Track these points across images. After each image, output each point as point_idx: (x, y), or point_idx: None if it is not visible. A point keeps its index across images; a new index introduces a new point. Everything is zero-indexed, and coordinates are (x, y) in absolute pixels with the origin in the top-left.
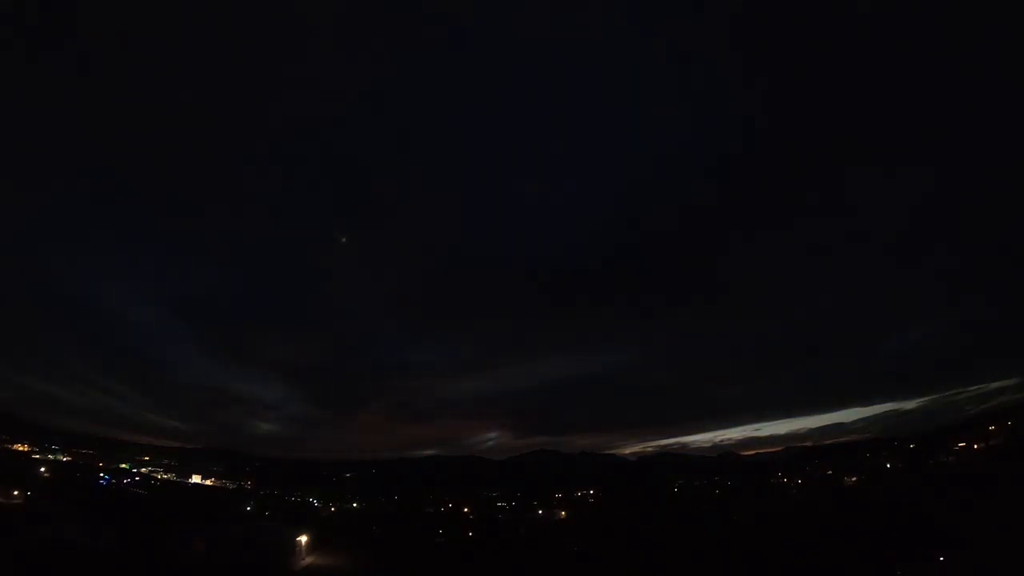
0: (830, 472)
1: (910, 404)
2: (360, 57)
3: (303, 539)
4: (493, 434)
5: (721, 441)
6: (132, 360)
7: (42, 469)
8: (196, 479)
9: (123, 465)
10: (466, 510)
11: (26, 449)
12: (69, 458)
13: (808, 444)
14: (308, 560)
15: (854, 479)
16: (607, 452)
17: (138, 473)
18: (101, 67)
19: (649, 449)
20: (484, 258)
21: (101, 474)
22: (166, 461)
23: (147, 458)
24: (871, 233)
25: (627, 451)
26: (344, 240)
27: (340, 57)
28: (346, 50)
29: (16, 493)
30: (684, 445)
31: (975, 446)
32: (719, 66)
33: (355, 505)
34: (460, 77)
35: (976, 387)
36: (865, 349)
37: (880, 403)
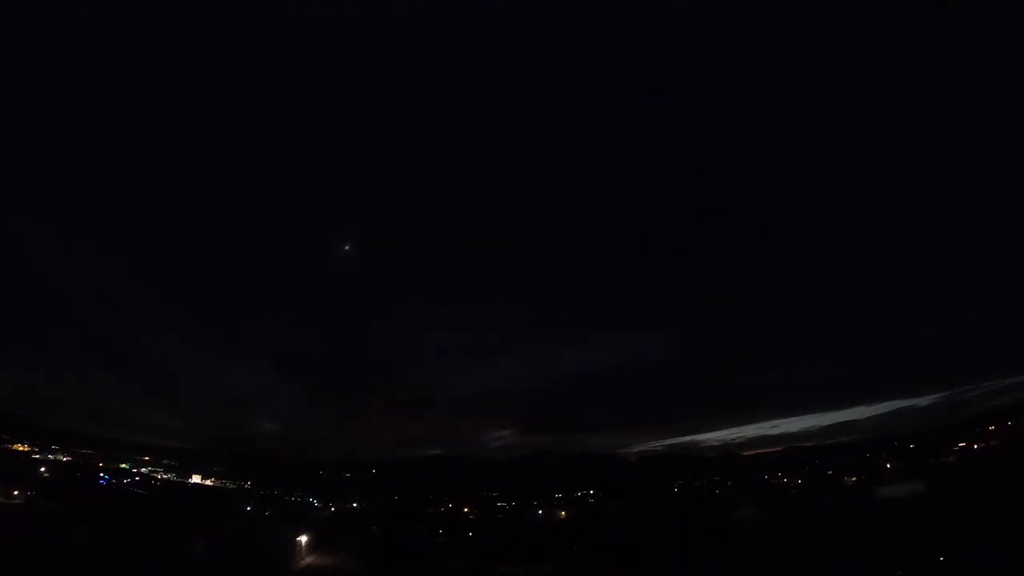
0: (830, 472)
1: (924, 401)
2: (363, 26)
3: (303, 539)
4: (503, 432)
5: (733, 439)
6: (132, 359)
7: (42, 469)
8: (196, 479)
9: (123, 465)
10: (466, 510)
11: (26, 449)
12: (69, 458)
13: (809, 444)
14: (308, 560)
15: (854, 479)
16: (608, 451)
17: (138, 473)
18: (86, 51)
19: (657, 448)
20: (497, 239)
21: (101, 474)
22: (166, 461)
23: (147, 458)
24: (894, 227)
25: (634, 449)
26: (345, 220)
27: (337, 26)
28: (346, 20)
29: (16, 493)
30: (695, 443)
31: (975, 446)
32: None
33: (355, 505)
34: (472, 50)
35: (991, 383)
36: (884, 344)
37: (894, 399)
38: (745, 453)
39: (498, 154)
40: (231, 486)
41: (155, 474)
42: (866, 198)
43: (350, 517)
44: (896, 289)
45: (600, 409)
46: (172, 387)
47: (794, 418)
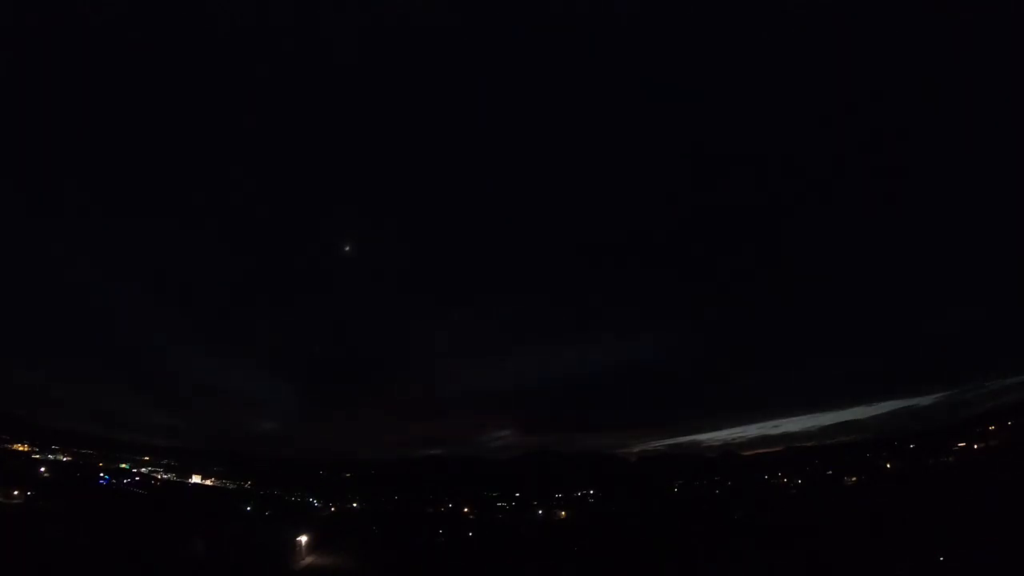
0: (830, 472)
1: (924, 401)
2: (363, 26)
3: (303, 539)
4: (503, 432)
5: (733, 439)
6: (132, 359)
7: (42, 469)
8: (196, 479)
9: (123, 465)
10: (466, 510)
11: (26, 449)
12: (69, 458)
13: (809, 444)
14: (308, 560)
15: (854, 479)
16: (608, 451)
17: (138, 473)
18: (90, 57)
19: (657, 448)
20: (497, 239)
21: (101, 474)
22: (166, 461)
23: (147, 458)
24: (894, 227)
25: (634, 449)
26: (345, 221)
27: (337, 28)
28: (345, 21)
29: (16, 493)
30: (696, 443)
31: (975, 446)
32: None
33: (355, 505)
34: (472, 50)
35: (991, 383)
36: (884, 344)
37: (894, 399)
38: (745, 453)
39: (499, 154)
40: (231, 486)
41: (155, 474)
42: (866, 198)
43: (350, 517)
44: (896, 289)
45: (600, 409)
46: (172, 387)
47: (794, 418)
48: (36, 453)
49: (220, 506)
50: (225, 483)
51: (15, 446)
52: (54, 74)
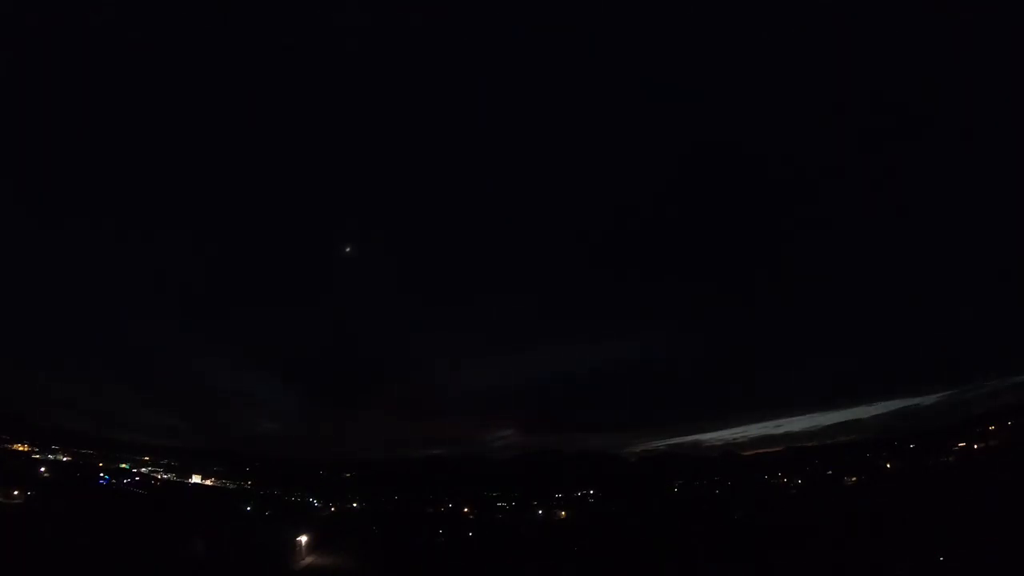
0: (830, 472)
1: (924, 401)
2: (363, 27)
3: (303, 539)
4: (504, 432)
5: (734, 439)
6: (132, 359)
7: (42, 469)
8: (196, 479)
9: (123, 465)
10: (466, 510)
11: (26, 449)
12: (69, 458)
13: (809, 444)
14: (308, 560)
15: (854, 479)
16: (608, 451)
17: (138, 473)
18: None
19: (657, 448)
20: (496, 239)
21: (101, 474)
22: (166, 461)
23: (147, 458)
24: (894, 227)
25: (635, 449)
26: (345, 221)
27: (337, 28)
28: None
29: (16, 493)
30: (696, 443)
31: (975, 446)
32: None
33: (355, 505)
34: (472, 50)
35: (991, 383)
36: (884, 344)
37: (894, 399)
38: (745, 453)
39: (499, 154)
40: (231, 486)
41: (155, 474)
42: (866, 198)
43: (350, 517)
44: (896, 289)
45: (600, 409)
46: (172, 387)
47: (795, 418)
48: (36, 453)
49: (220, 506)
50: (225, 483)
51: (15, 446)
52: (53, 73)
